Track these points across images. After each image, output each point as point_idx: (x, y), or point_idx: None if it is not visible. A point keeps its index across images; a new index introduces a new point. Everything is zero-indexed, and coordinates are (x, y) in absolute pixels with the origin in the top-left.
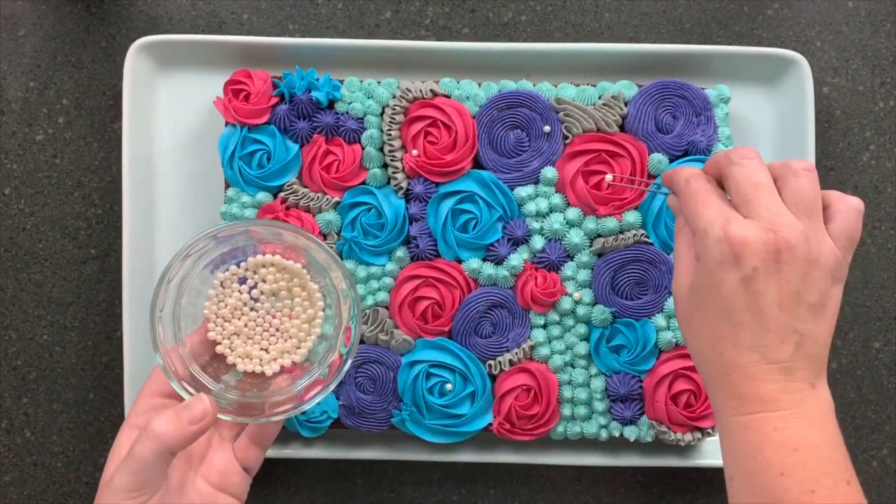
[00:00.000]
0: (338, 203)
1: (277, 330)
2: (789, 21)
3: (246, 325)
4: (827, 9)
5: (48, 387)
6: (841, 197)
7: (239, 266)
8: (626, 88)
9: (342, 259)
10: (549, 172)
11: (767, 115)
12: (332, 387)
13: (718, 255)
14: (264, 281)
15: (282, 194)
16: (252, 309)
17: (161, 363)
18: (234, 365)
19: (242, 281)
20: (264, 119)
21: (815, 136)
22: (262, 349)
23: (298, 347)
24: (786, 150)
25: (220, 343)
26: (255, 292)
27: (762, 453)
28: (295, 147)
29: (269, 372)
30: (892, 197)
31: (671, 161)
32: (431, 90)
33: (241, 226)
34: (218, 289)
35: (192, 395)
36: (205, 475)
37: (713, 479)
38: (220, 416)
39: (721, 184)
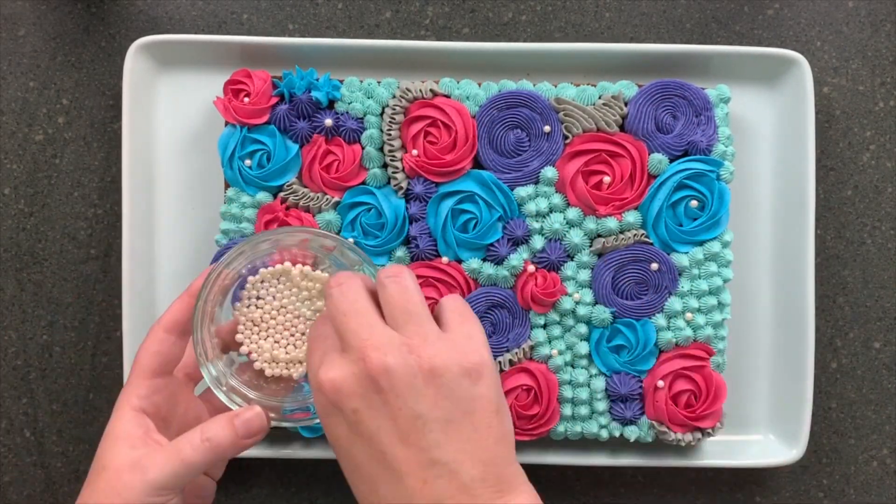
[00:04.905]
0: (338, 203)
1: (303, 334)
2: (789, 21)
3: (270, 329)
4: (827, 9)
5: (48, 387)
6: (444, 301)
7: (263, 269)
8: (626, 88)
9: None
10: (549, 172)
11: (767, 115)
12: None
13: (322, 409)
14: (290, 290)
15: (282, 194)
16: (279, 314)
17: (212, 373)
18: (256, 368)
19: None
20: (264, 119)
21: (815, 136)
22: (287, 354)
23: None
24: (786, 150)
25: (247, 347)
26: (283, 299)
27: None
28: (295, 147)
29: (296, 375)
30: (892, 197)
31: (671, 161)
32: (431, 90)
33: (267, 235)
34: (249, 291)
35: (239, 405)
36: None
37: (713, 479)
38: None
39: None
